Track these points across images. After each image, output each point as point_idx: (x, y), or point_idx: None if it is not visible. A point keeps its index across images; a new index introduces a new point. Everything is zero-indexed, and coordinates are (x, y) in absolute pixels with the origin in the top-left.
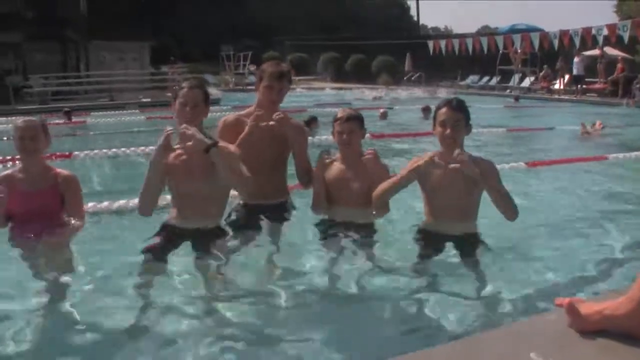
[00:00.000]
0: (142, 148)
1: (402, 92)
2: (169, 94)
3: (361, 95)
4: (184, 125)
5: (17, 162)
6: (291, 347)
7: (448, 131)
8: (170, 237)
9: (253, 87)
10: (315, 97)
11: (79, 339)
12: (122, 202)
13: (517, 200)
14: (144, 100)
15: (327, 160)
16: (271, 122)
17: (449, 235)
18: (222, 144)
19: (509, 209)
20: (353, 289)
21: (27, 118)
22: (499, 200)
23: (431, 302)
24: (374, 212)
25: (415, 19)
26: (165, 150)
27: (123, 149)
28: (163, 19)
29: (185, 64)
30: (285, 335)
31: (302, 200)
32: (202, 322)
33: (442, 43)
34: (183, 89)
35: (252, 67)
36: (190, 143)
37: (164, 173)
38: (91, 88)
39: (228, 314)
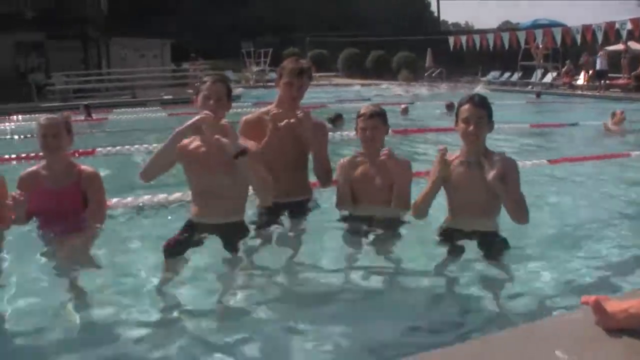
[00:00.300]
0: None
1: (422, 89)
2: (190, 91)
3: (392, 91)
4: (226, 121)
5: (41, 159)
6: (312, 343)
7: (471, 128)
8: (192, 233)
9: (273, 84)
10: (335, 93)
11: (99, 335)
12: (146, 197)
13: (540, 199)
14: (166, 97)
15: (351, 157)
16: (292, 120)
17: (470, 233)
18: (249, 143)
19: (521, 215)
20: (374, 286)
21: (50, 116)
22: (513, 205)
23: (453, 300)
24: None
25: (436, 14)
26: (194, 129)
27: (145, 146)
28: (183, 16)
29: (206, 61)
30: (307, 330)
31: (325, 198)
32: (222, 317)
33: (463, 39)
34: (206, 82)
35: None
36: (224, 140)
37: (180, 156)
38: (113, 85)
39: (248, 310)
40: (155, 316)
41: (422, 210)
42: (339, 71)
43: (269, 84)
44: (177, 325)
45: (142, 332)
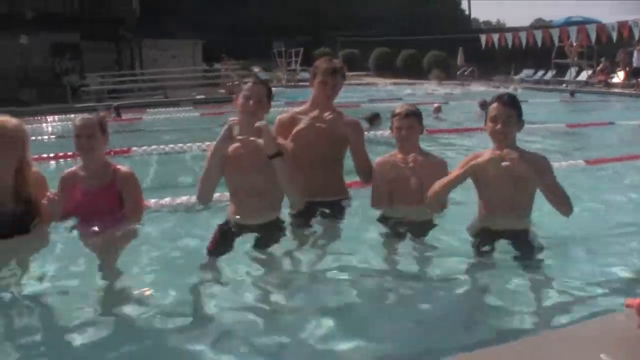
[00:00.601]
0: (199, 144)
1: (456, 88)
2: (222, 91)
3: (424, 90)
4: (264, 122)
5: (76, 158)
6: (350, 342)
7: (499, 126)
8: (229, 232)
9: (305, 84)
10: (367, 92)
11: (134, 333)
12: (184, 198)
13: (577, 199)
14: (198, 97)
15: (387, 157)
16: (326, 119)
17: (502, 231)
18: (284, 143)
19: (563, 205)
20: (409, 286)
21: (85, 116)
22: (552, 197)
23: (490, 300)
24: (428, 210)
25: (467, 12)
26: (226, 139)
27: (180, 145)
28: (215, 16)
29: (237, 61)
30: (344, 328)
31: (360, 198)
32: (257, 316)
33: (495, 37)
34: (248, 83)
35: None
36: (260, 140)
37: (222, 163)
38: (145, 86)
39: (283, 309)
40: (191, 316)
41: (438, 198)
42: (370, 70)
43: (300, 83)
44: (213, 323)
45: (178, 331)
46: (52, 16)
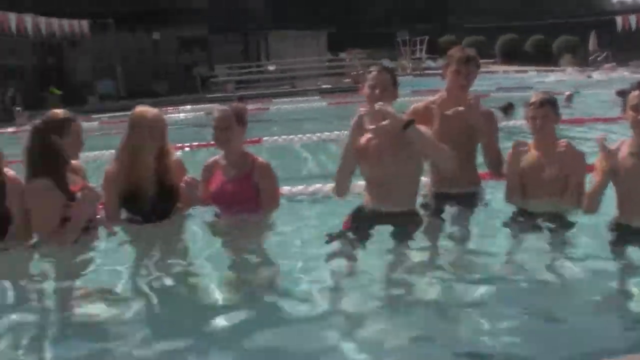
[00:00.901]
0: (327, 133)
1: (591, 74)
2: (348, 80)
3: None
4: (380, 103)
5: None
6: (493, 337)
7: None
8: (364, 221)
9: (430, 72)
10: (494, 80)
11: (280, 315)
12: (317, 186)
13: None
14: (324, 86)
15: (521, 148)
16: (460, 108)
17: None
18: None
19: None
20: (544, 281)
21: (222, 107)
22: None
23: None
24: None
25: None
26: (358, 129)
27: (308, 135)
28: (339, 5)
29: (362, 50)
30: (484, 324)
31: (493, 190)
32: (391, 304)
33: (632, 18)
34: (372, 72)
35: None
36: (386, 122)
37: (356, 154)
38: (272, 76)
39: (418, 298)
40: (326, 301)
41: (593, 206)
42: (496, 57)
43: (426, 72)
44: (349, 310)
45: (308, 311)
46: (180, 11)
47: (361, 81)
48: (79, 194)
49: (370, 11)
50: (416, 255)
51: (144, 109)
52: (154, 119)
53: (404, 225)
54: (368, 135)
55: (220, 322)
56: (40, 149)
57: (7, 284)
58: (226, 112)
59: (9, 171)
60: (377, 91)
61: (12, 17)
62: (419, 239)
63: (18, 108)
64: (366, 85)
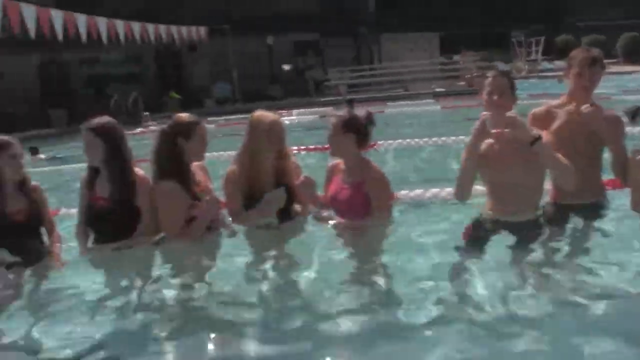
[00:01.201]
0: (444, 138)
1: None
2: (462, 83)
3: None
4: (512, 113)
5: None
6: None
7: None
8: (485, 228)
9: (546, 74)
10: (617, 82)
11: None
12: (434, 190)
13: None
14: (438, 89)
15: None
16: (584, 112)
17: None
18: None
19: None
20: None
21: (334, 114)
22: None
23: None
24: None
25: None
26: (481, 135)
27: (424, 139)
28: (450, 7)
29: (476, 52)
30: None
31: (618, 200)
32: (511, 316)
33: None
34: (488, 77)
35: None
36: (511, 130)
37: (478, 159)
38: (385, 80)
39: (538, 314)
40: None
41: None
42: (618, 57)
43: (542, 74)
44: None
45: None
46: (293, 17)
47: (475, 84)
48: (203, 196)
49: (482, 11)
50: (536, 267)
51: (263, 114)
52: (272, 123)
53: (525, 235)
54: (490, 141)
55: (348, 325)
56: (168, 152)
57: (135, 278)
58: (334, 119)
59: (139, 171)
60: (495, 97)
61: (136, 27)
62: (539, 250)
63: (146, 113)
64: (484, 92)
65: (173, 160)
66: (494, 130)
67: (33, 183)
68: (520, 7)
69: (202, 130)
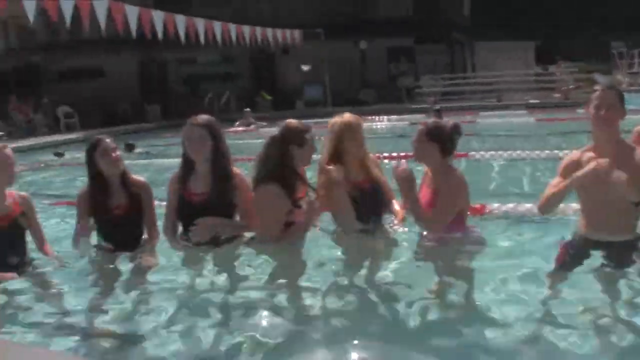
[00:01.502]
0: (537, 152)
1: None
2: (558, 95)
3: None
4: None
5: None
6: None
7: None
8: (580, 248)
9: None
10: None
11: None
12: (528, 205)
13: None
14: (531, 101)
15: None
16: None
17: None
18: None
19: None
20: None
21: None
22: None
23: None
24: None
25: None
26: (582, 152)
27: (518, 152)
28: (548, 15)
29: (574, 63)
30: None
31: None
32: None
33: None
34: (596, 91)
35: None
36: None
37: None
38: (478, 89)
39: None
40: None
41: None
42: None
43: None
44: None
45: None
46: (387, 22)
47: (571, 97)
48: (303, 202)
49: (580, 20)
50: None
51: (343, 116)
52: (354, 125)
53: (622, 256)
54: (589, 157)
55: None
56: (278, 158)
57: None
58: (421, 127)
59: (237, 169)
60: (602, 112)
61: (232, 28)
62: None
63: (247, 109)
64: (591, 107)
65: (282, 165)
66: (593, 155)
67: (139, 178)
68: (621, 15)
69: (312, 137)
